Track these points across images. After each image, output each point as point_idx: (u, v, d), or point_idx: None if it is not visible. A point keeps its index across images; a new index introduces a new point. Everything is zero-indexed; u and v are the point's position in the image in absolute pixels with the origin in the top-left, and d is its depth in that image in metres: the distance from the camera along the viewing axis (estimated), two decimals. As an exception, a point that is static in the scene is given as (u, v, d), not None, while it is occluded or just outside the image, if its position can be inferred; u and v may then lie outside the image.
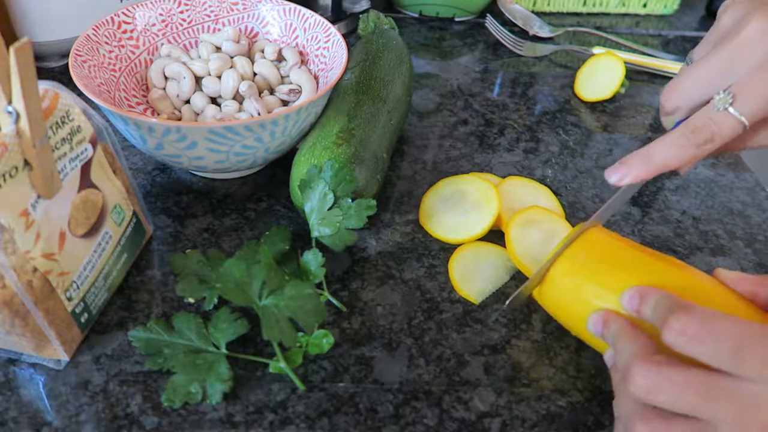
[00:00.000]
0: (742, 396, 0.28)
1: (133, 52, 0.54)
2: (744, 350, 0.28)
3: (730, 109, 0.37)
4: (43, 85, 0.35)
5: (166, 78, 0.54)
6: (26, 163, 0.33)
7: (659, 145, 0.38)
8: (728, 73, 0.37)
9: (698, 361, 0.30)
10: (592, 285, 0.38)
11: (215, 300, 0.41)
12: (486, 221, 0.48)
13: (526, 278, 0.47)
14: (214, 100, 0.53)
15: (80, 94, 0.43)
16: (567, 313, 0.40)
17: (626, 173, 0.39)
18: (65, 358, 0.38)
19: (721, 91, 0.37)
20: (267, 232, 0.46)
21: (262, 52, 0.56)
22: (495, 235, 0.49)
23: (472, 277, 0.46)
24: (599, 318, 0.36)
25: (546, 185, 0.54)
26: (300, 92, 0.53)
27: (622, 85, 0.68)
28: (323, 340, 0.40)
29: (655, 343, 0.32)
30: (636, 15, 0.89)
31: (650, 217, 0.54)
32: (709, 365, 0.29)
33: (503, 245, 0.48)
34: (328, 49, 0.54)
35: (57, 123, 0.35)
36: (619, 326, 0.35)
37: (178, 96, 0.53)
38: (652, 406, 0.31)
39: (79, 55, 0.48)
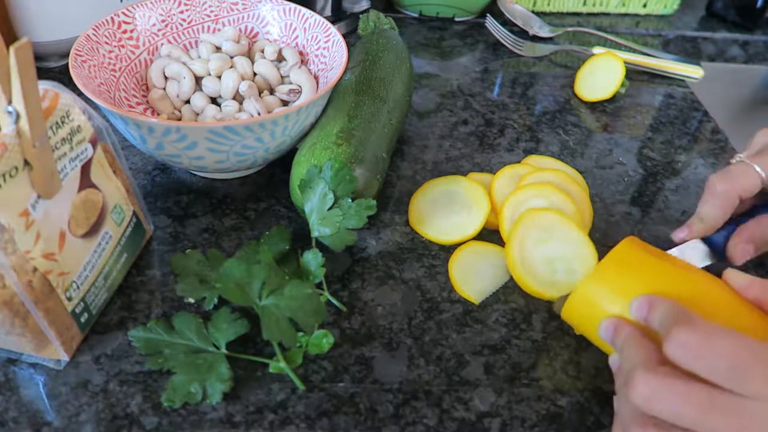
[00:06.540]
0: (741, 412, 0.28)
1: (133, 52, 0.54)
2: (744, 368, 0.29)
3: (747, 161, 0.45)
4: (43, 85, 0.35)
5: (166, 78, 0.54)
6: (26, 163, 0.32)
7: (701, 205, 0.46)
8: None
9: (701, 376, 0.30)
10: (598, 286, 0.38)
11: (215, 300, 0.41)
12: (477, 222, 0.49)
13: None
14: (214, 100, 0.53)
15: (80, 94, 0.43)
16: (572, 311, 0.40)
17: (687, 231, 0.46)
18: (65, 358, 0.38)
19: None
20: (267, 232, 0.46)
21: (262, 52, 0.56)
22: (495, 235, 0.49)
23: (472, 277, 0.46)
24: (611, 325, 0.37)
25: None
26: (300, 92, 0.53)
27: (622, 85, 0.68)
28: (323, 340, 0.40)
29: (663, 355, 0.32)
30: (636, 15, 0.89)
31: (650, 217, 0.54)
32: (710, 381, 0.29)
33: (502, 245, 0.48)
34: (328, 49, 0.54)
35: (57, 123, 0.35)
36: (628, 334, 0.35)
37: (178, 96, 0.53)
38: (650, 415, 0.31)
39: (79, 55, 0.48)
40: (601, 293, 0.38)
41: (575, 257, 0.45)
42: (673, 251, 0.45)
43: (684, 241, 0.46)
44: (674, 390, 0.30)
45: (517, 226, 0.46)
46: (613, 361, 0.37)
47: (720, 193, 0.44)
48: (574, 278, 0.44)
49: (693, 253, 0.45)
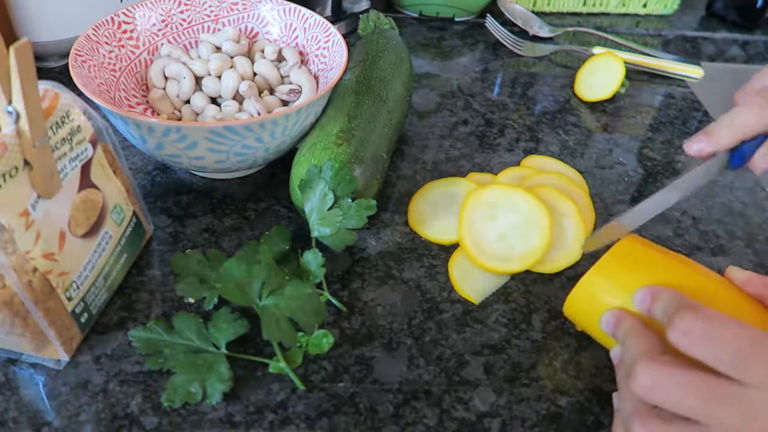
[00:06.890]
0: (744, 401, 0.28)
1: (133, 52, 0.54)
2: (748, 355, 0.29)
3: None
4: (43, 85, 0.35)
5: (166, 78, 0.54)
6: (26, 163, 0.33)
7: (736, 110, 0.38)
8: None
9: (704, 365, 0.30)
10: (600, 281, 0.38)
11: (215, 300, 0.41)
12: None
13: (528, 273, 0.47)
14: (214, 100, 0.53)
15: (80, 94, 0.43)
16: (574, 306, 0.40)
17: (707, 142, 0.38)
18: (65, 358, 0.38)
19: None
20: (267, 232, 0.46)
21: (262, 52, 0.56)
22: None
23: (472, 277, 0.46)
24: (612, 317, 0.37)
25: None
26: (300, 92, 0.53)
27: (622, 85, 0.68)
28: (323, 340, 0.40)
29: (665, 345, 0.32)
30: (636, 15, 0.89)
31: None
32: (713, 368, 0.29)
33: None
34: (328, 49, 0.54)
35: (57, 123, 0.35)
36: (630, 325, 0.35)
37: (178, 96, 0.53)
38: (652, 406, 0.31)
39: (79, 55, 0.48)
40: (604, 288, 0.38)
41: (529, 225, 0.46)
42: (701, 168, 0.38)
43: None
44: (676, 379, 0.30)
45: (463, 211, 0.47)
46: (615, 353, 0.37)
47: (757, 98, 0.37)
48: (531, 246, 0.46)
49: (715, 161, 0.39)
